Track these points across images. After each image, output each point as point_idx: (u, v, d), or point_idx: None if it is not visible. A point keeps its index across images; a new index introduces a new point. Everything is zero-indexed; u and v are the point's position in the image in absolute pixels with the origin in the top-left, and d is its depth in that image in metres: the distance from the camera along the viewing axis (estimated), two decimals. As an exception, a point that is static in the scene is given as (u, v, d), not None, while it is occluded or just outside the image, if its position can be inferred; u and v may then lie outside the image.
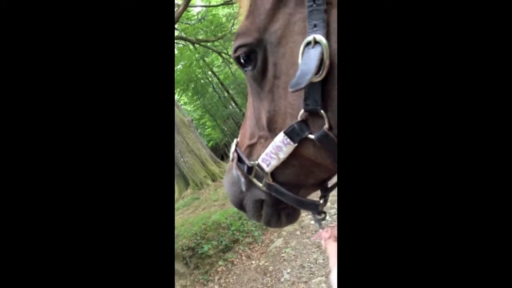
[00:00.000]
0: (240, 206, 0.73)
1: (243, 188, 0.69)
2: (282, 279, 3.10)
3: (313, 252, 3.31)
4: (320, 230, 0.70)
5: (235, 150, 0.71)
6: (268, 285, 3.11)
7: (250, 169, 0.65)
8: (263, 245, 4.08)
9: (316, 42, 0.46)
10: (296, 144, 0.55)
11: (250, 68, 0.57)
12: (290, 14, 0.51)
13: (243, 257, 3.92)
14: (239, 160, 0.69)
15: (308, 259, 3.22)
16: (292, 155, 0.58)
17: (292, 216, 0.72)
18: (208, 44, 11.81)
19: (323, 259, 3.08)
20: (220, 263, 3.87)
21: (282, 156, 0.58)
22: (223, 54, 13.00)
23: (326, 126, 0.50)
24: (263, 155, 0.62)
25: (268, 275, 3.30)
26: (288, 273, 3.16)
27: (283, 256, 3.52)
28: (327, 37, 0.46)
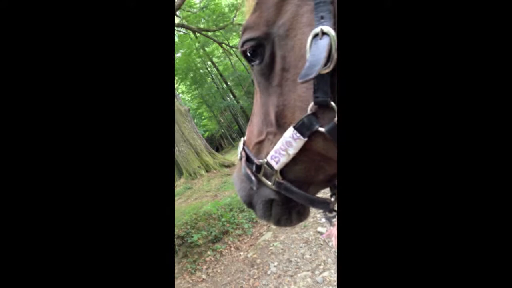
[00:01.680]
0: (250, 204, 0.72)
1: (254, 188, 0.67)
2: (268, 272, 3.15)
3: (300, 247, 3.36)
4: (331, 228, 0.70)
5: (243, 148, 0.70)
6: (255, 277, 3.16)
7: (258, 167, 0.64)
8: (252, 237, 4.13)
9: (324, 34, 0.46)
10: (306, 139, 0.55)
11: (257, 62, 0.57)
12: (297, 6, 0.51)
13: (232, 248, 3.97)
14: (247, 159, 0.68)
15: (295, 254, 3.27)
16: (302, 150, 0.57)
17: (302, 214, 0.71)
18: (209, 33, 11.68)
19: (310, 255, 3.13)
20: (208, 253, 3.91)
21: (292, 152, 0.57)
22: (223, 44, 12.87)
23: (337, 118, 0.50)
24: (272, 152, 0.61)
25: (255, 267, 3.35)
26: (275, 266, 3.21)
27: (271, 249, 3.57)
28: (335, 28, 0.46)
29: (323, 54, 0.45)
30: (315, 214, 4.07)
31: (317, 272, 2.80)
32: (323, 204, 0.63)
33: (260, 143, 0.66)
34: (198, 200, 6.30)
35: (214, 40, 12.57)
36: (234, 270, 3.44)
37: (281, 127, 0.59)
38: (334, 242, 0.68)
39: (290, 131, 0.56)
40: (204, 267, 3.69)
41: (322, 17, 0.47)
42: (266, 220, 0.71)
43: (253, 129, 0.68)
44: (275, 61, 0.55)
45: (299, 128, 0.54)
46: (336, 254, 2.93)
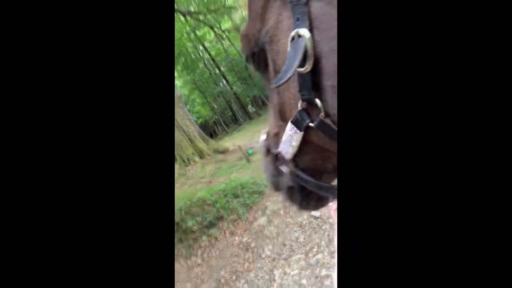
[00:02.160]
0: (277, 189, 0.78)
1: (274, 175, 0.74)
2: (263, 255, 3.20)
3: (295, 231, 3.41)
4: (330, 204, 0.76)
5: (265, 139, 0.75)
6: (250, 261, 3.21)
7: (276, 157, 0.69)
8: (247, 222, 4.17)
9: (300, 36, 0.47)
10: (302, 132, 0.58)
11: (256, 65, 0.62)
12: (278, 13, 0.53)
13: (227, 233, 4.01)
14: (268, 149, 0.73)
15: (289, 237, 3.32)
16: (303, 143, 0.60)
17: (321, 201, 0.75)
18: (200, 17, 11.36)
19: (304, 238, 3.18)
20: (203, 238, 3.95)
21: (295, 144, 0.61)
22: (215, 28, 12.54)
23: (322, 114, 0.52)
24: (281, 144, 0.65)
25: (250, 251, 3.40)
26: (269, 249, 3.26)
27: (265, 234, 3.61)
28: (311, 29, 0.47)
29: (298, 57, 0.47)
30: (309, 198, 4.10)
31: (310, 255, 2.85)
32: (330, 190, 0.67)
33: (276, 134, 0.70)
34: (192, 187, 6.31)
35: (205, 24, 12.23)
36: (229, 254, 3.49)
37: (285, 121, 0.62)
38: (332, 214, 0.73)
39: (289, 126, 0.59)
40: (199, 252, 3.73)
41: (298, 19, 0.48)
42: (292, 204, 0.77)
43: (271, 121, 0.73)
44: (268, 64, 0.60)
45: (295, 123, 0.58)
46: (328, 235, 2.99)
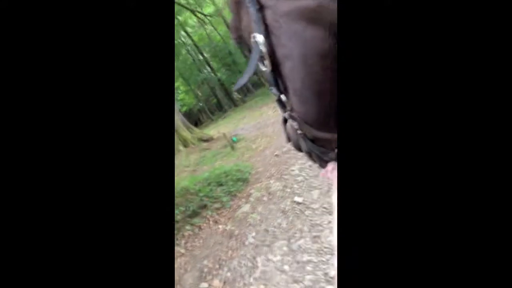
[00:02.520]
0: (299, 151, 0.83)
1: (291, 138, 0.81)
2: (246, 243, 3.20)
3: (277, 217, 3.42)
4: (328, 166, 0.81)
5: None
6: (233, 249, 3.21)
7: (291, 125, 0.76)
8: (231, 210, 4.16)
9: (256, 40, 0.51)
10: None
11: (248, 53, 0.66)
12: (246, 14, 0.56)
13: (211, 222, 3.99)
14: (285, 118, 0.80)
15: (272, 224, 3.32)
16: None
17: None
18: (181, 1, 10.93)
19: (286, 224, 3.20)
20: (187, 227, 3.91)
21: (292, 121, 0.67)
22: (197, 13, 12.11)
23: (288, 108, 0.58)
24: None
25: (234, 238, 3.39)
26: (252, 237, 3.26)
27: (249, 221, 3.61)
28: (267, 33, 0.50)
29: (254, 61, 0.50)
30: (292, 184, 4.12)
31: (292, 241, 2.87)
32: (328, 154, 0.72)
33: None
34: (177, 176, 6.22)
35: (186, 8, 11.79)
36: (212, 243, 3.47)
37: None
38: (329, 174, 0.77)
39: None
40: (183, 241, 3.70)
41: (256, 23, 0.50)
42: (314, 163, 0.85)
43: None
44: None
45: (280, 106, 0.63)
46: (310, 220, 3.01)
